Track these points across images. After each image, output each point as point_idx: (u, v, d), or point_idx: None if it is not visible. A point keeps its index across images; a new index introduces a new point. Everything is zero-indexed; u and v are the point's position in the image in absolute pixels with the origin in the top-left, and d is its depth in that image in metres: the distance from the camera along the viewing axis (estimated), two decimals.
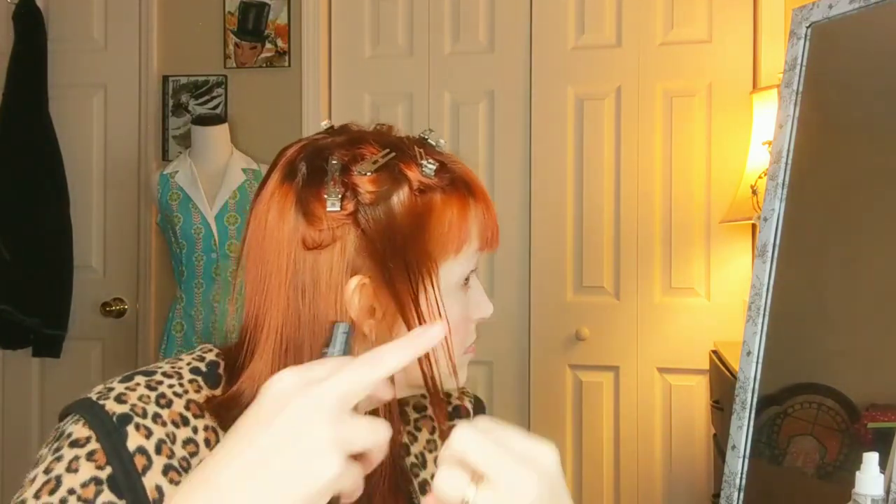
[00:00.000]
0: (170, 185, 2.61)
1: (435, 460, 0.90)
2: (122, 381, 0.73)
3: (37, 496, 0.67)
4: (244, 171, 2.63)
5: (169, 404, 0.73)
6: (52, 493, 0.67)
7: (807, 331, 1.50)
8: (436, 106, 2.74)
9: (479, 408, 1.00)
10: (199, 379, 0.76)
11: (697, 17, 2.54)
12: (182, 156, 2.70)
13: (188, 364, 0.78)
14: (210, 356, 0.80)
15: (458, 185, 0.77)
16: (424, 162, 0.75)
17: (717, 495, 1.63)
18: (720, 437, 1.94)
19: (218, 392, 0.77)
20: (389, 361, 0.57)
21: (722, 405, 1.92)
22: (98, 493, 0.67)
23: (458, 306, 0.78)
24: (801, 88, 1.48)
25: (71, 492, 0.67)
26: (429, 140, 0.79)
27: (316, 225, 0.72)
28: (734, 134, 2.47)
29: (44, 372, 2.95)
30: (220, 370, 0.78)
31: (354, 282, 0.72)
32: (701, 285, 2.53)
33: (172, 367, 0.77)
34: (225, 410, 0.75)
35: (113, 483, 0.67)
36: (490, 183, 2.68)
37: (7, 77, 2.85)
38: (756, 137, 2.23)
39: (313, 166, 0.74)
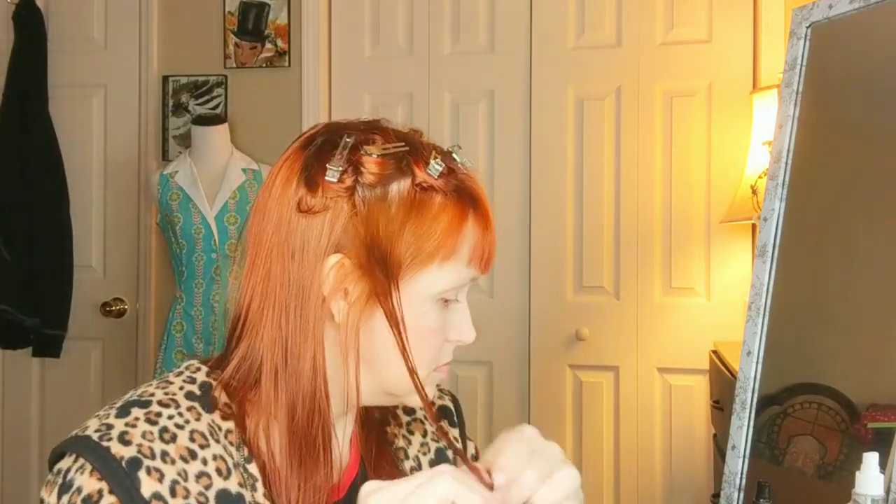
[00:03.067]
0: (170, 185, 2.61)
1: (430, 463, 0.90)
2: (119, 416, 0.70)
3: None
4: (244, 171, 2.63)
5: (174, 438, 0.70)
6: None
7: (807, 331, 1.50)
8: (436, 106, 2.74)
9: (457, 405, 0.99)
10: (197, 405, 0.74)
11: (697, 17, 2.54)
12: (182, 156, 2.70)
13: (181, 388, 0.75)
14: (200, 377, 0.77)
15: (463, 195, 0.77)
16: (432, 162, 0.75)
17: (717, 495, 1.63)
18: (720, 437, 1.94)
19: (227, 375, 0.77)
20: None
21: (722, 405, 1.92)
22: None
23: (432, 317, 0.76)
24: (801, 88, 1.48)
25: None
26: (454, 155, 0.79)
27: (312, 190, 0.74)
28: (734, 134, 2.47)
29: (44, 372, 2.95)
30: (215, 392, 0.76)
31: (333, 259, 0.73)
32: (701, 285, 2.53)
33: (166, 394, 0.74)
34: (239, 390, 0.76)
35: None
36: (490, 183, 2.68)
37: (7, 77, 2.85)
38: (756, 137, 2.23)
39: (328, 140, 0.76)
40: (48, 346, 2.84)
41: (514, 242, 2.66)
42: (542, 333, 2.64)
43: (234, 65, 2.81)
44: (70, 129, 2.90)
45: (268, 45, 2.79)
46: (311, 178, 0.74)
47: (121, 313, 2.88)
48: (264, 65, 2.79)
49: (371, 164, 0.74)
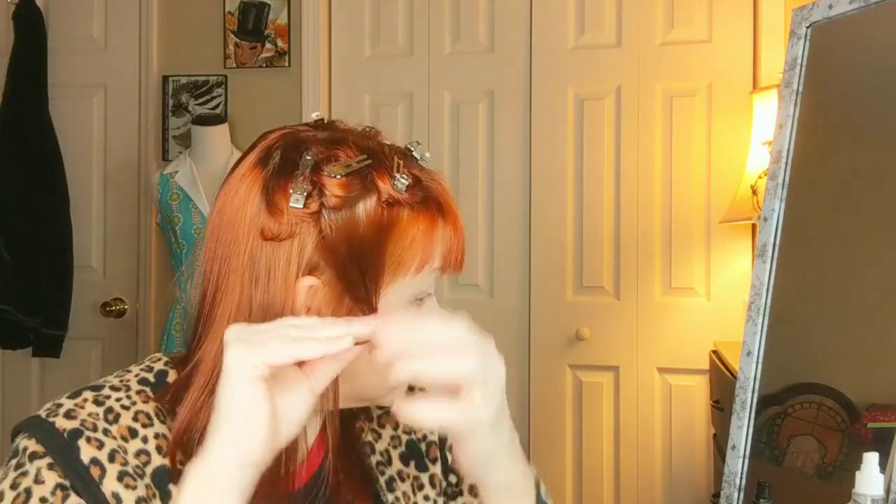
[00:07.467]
0: (170, 185, 2.61)
1: (400, 456, 0.89)
2: (70, 398, 0.75)
3: None
4: None
5: (117, 419, 0.73)
6: None
7: (807, 331, 1.50)
8: (436, 106, 2.74)
9: None
10: (147, 389, 0.76)
11: (697, 17, 2.54)
12: (182, 156, 2.70)
13: (136, 376, 0.78)
14: (159, 366, 0.79)
15: (430, 204, 0.76)
16: (398, 175, 0.73)
17: (717, 495, 1.63)
18: (720, 437, 1.94)
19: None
20: (307, 349, 0.64)
21: (722, 405, 1.92)
22: (65, 497, 0.68)
23: None
24: (801, 88, 1.48)
25: (43, 500, 0.68)
26: (413, 153, 0.78)
27: (276, 217, 0.71)
28: (734, 134, 2.47)
29: (44, 372, 2.95)
30: (169, 379, 0.78)
31: (306, 282, 0.72)
32: (701, 285, 2.53)
33: (120, 381, 0.77)
34: (183, 390, 0.75)
35: (76, 490, 0.69)
36: (490, 183, 2.68)
37: (7, 77, 2.85)
38: (756, 137, 2.23)
39: (287, 157, 0.73)
40: (48, 346, 2.84)
41: (514, 242, 2.66)
42: (542, 333, 2.64)
43: (234, 65, 2.81)
44: (70, 129, 2.90)
45: (268, 45, 2.79)
46: (274, 203, 0.71)
47: (121, 313, 2.88)
48: (264, 65, 2.79)
49: (335, 186, 0.72)
